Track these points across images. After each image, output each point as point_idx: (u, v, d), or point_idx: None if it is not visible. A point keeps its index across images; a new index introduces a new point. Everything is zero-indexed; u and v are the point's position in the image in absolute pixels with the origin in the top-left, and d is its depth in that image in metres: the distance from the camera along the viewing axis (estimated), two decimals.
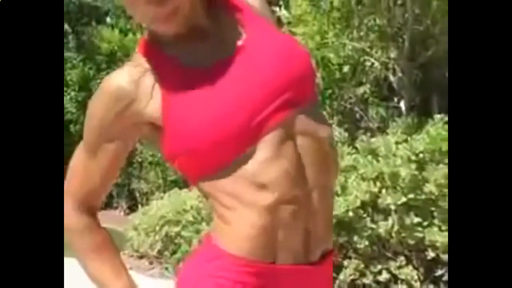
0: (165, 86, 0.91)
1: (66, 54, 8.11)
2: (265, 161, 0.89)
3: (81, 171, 0.98)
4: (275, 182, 0.89)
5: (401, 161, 3.02)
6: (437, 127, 3.17)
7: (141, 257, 5.16)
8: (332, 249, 0.99)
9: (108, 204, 9.02)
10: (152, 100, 0.92)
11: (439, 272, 3.03)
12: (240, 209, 0.91)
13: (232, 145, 0.88)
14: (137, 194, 8.35)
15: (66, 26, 8.21)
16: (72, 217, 0.98)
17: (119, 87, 0.93)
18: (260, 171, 0.89)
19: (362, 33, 3.89)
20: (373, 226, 3.08)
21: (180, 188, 5.75)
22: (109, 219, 8.08)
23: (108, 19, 7.42)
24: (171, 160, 0.95)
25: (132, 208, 8.11)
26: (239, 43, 0.94)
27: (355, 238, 3.14)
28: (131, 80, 0.92)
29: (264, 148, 0.89)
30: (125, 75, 0.94)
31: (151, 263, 4.98)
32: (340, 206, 3.10)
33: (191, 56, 0.92)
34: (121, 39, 7.32)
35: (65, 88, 8.39)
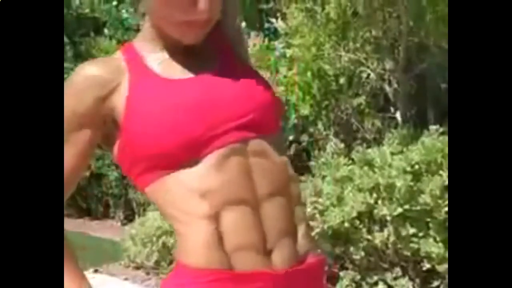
0: (134, 86, 0.94)
1: (64, 64, 8.13)
2: (208, 171, 0.91)
3: None
4: (217, 189, 0.91)
5: (396, 172, 3.04)
6: (433, 138, 3.19)
7: (137, 267, 5.14)
8: (313, 255, 0.97)
9: (105, 214, 8.99)
10: (123, 97, 0.94)
11: (435, 284, 3.03)
12: (186, 220, 0.92)
13: (176, 154, 0.91)
14: (134, 204, 8.33)
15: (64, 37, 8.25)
16: None
17: (102, 75, 0.94)
18: (202, 180, 0.91)
19: (358, 45, 3.93)
20: (369, 237, 3.09)
21: None
22: (106, 229, 8.05)
23: (106, 30, 7.46)
24: (120, 162, 0.97)
25: (129, 218, 8.07)
26: (211, 68, 0.99)
27: (351, 249, 3.15)
28: (114, 71, 0.95)
29: (210, 161, 0.91)
30: (108, 65, 0.97)
31: (147, 273, 4.96)
32: (335, 217, 3.11)
33: (167, 67, 0.97)
34: (118, 49, 7.34)
35: None
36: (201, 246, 0.90)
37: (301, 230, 0.96)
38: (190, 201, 0.91)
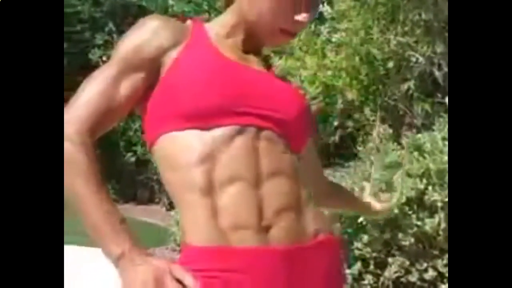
0: (189, 48, 0.98)
1: (111, 52, 8.26)
2: (214, 140, 0.92)
3: (98, 96, 0.95)
4: (218, 159, 0.91)
5: (448, 158, 2.98)
6: None
7: None
8: (323, 235, 0.97)
9: (150, 200, 9.19)
10: (174, 55, 0.97)
11: None
12: (185, 195, 0.92)
13: (191, 114, 0.93)
14: None
15: (111, 25, 8.40)
16: (77, 145, 0.92)
17: (172, 29, 0.98)
18: (205, 145, 0.92)
19: (407, 28, 3.84)
20: (419, 223, 3.04)
21: None
22: (152, 214, 8.23)
23: None
24: (144, 116, 0.98)
25: (173, 204, 8.23)
26: (263, 68, 1.04)
27: (400, 235, 3.11)
28: (180, 30, 0.99)
29: (219, 132, 0.92)
30: (178, 24, 1.02)
31: None
32: None
33: (224, 47, 1.00)
34: None
35: None
36: (198, 224, 0.90)
37: (308, 210, 0.96)
38: (188, 166, 0.92)
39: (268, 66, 1.08)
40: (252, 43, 1.04)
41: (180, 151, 0.93)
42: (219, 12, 1.11)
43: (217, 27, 1.03)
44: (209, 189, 0.91)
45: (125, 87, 0.96)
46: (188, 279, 0.86)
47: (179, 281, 0.86)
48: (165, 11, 7.35)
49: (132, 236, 0.89)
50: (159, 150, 0.96)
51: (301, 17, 1.00)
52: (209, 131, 0.92)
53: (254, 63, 1.03)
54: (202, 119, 0.92)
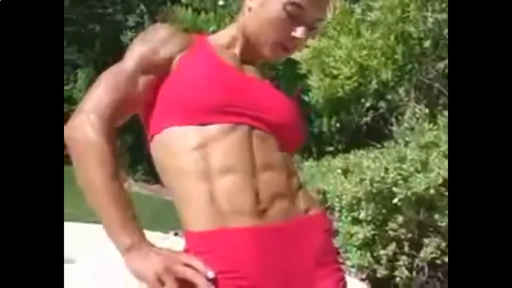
0: (193, 54, 1.05)
1: None
2: (210, 133, 0.99)
3: (116, 87, 1.01)
4: (214, 148, 0.98)
5: None
6: None
7: None
8: (313, 212, 1.05)
9: None
10: (177, 61, 1.04)
11: None
12: (182, 181, 0.98)
13: (196, 112, 0.99)
14: None
15: (142, 7, 8.43)
16: (99, 131, 0.97)
17: (182, 37, 1.06)
18: (202, 137, 0.99)
19: (445, 5, 3.73)
20: None
21: None
22: None
23: None
24: (154, 107, 1.04)
25: None
26: (260, 79, 1.11)
27: (436, 216, 3.07)
28: (186, 40, 1.07)
29: (214, 128, 0.99)
30: (185, 33, 1.09)
31: None
32: (420, 184, 3.03)
33: (226, 55, 1.08)
34: (193, 18, 7.41)
35: None
36: (197, 209, 0.97)
37: (299, 194, 1.05)
38: (186, 153, 0.98)
39: (264, 76, 1.14)
40: (249, 54, 1.10)
41: (177, 141, 1.00)
42: None
43: (218, 38, 1.12)
44: (205, 175, 0.97)
45: (141, 82, 1.02)
46: (196, 263, 0.93)
47: (189, 266, 0.92)
48: None
49: (141, 230, 0.96)
50: (158, 141, 1.03)
51: (298, 33, 1.04)
52: (206, 126, 0.99)
53: (250, 72, 1.10)
54: (200, 117, 0.99)
